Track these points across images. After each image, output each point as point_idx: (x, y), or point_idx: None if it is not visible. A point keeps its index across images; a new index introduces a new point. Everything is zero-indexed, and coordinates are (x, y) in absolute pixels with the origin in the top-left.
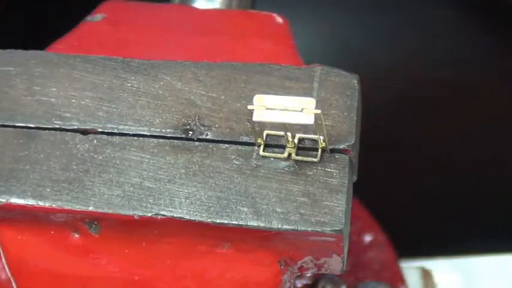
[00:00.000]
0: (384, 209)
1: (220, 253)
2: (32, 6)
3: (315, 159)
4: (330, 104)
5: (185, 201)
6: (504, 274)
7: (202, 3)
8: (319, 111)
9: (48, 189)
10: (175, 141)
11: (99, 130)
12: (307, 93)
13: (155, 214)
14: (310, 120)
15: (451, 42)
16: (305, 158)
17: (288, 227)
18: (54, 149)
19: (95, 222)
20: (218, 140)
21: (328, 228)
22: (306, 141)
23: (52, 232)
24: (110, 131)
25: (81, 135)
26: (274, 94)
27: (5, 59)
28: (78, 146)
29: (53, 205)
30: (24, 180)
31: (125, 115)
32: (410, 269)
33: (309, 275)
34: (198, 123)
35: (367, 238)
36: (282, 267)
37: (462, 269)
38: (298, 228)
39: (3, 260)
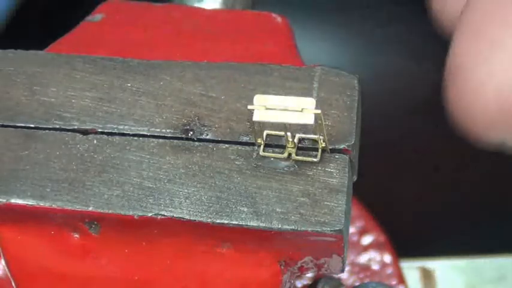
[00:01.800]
0: (384, 209)
1: (220, 253)
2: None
3: (315, 159)
4: (330, 104)
5: (185, 201)
6: (504, 274)
7: (202, 3)
8: (319, 111)
9: (48, 189)
10: (175, 141)
11: (99, 130)
12: (307, 93)
13: (155, 214)
14: (310, 120)
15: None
16: (305, 158)
17: (288, 227)
18: (54, 149)
19: (95, 222)
20: (218, 140)
21: (328, 228)
22: (306, 141)
23: (52, 232)
24: (109, 131)
25: (81, 135)
26: (274, 94)
27: (5, 59)
28: (78, 146)
29: (53, 205)
30: (24, 180)
31: (125, 115)
32: (410, 269)
33: (309, 275)
34: (198, 123)
35: (367, 238)
36: (282, 267)
37: (462, 269)
38: (298, 228)
39: (3, 260)
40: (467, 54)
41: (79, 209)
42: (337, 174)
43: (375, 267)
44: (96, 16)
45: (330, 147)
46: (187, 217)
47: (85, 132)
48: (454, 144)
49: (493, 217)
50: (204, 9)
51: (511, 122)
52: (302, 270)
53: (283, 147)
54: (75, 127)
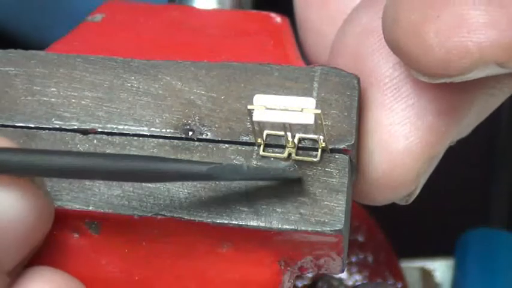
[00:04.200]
0: (383, 209)
1: (220, 253)
2: None
3: (315, 159)
4: (330, 104)
5: (185, 201)
6: None
7: (202, 3)
8: (319, 111)
9: (48, 189)
10: (175, 141)
11: (99, 130)
12: (307, 93)
13: (155, 214)
14: (310, 120)
15: None
16: (305, 158)
17: (288, 227)
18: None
19: (95, 222)
20: (218, 140)
21: (328, 228)
22: (306, 141)
23: (52, 232)
24: (109, 131)
25: (81, 135)
26: (274, 94)
27: (5, 59)
28: (78, 146)
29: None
30: None
31: (125, 115)
32: (410, 269)
33: (309, 275)
34: (198, 123)
35: (367, 238)
36: (282, 267)
37: None
38: (298, 228)
39: None
40: None
41: (79, 209)
42: (337, 174)
43: (374, 267)
44: (96, 16)
45: (330, 147)
46: (187, 217)
47: (85, 132)
48: (455, 143)
49: (493, 218)
50: (203, 9)
51: None
52: (302, 270)
53: (283, 147)
54: (75, 127)
